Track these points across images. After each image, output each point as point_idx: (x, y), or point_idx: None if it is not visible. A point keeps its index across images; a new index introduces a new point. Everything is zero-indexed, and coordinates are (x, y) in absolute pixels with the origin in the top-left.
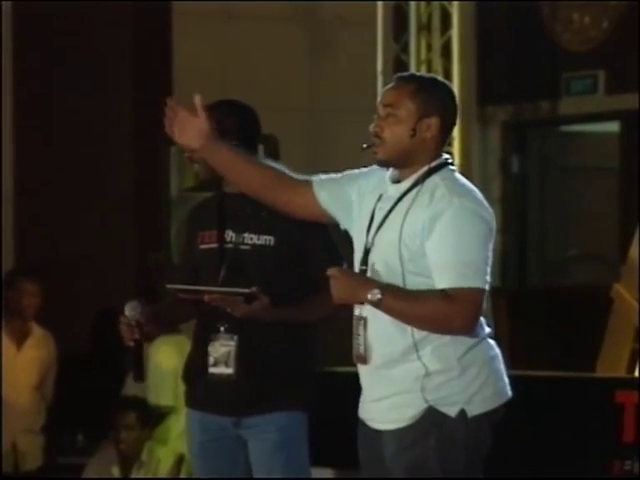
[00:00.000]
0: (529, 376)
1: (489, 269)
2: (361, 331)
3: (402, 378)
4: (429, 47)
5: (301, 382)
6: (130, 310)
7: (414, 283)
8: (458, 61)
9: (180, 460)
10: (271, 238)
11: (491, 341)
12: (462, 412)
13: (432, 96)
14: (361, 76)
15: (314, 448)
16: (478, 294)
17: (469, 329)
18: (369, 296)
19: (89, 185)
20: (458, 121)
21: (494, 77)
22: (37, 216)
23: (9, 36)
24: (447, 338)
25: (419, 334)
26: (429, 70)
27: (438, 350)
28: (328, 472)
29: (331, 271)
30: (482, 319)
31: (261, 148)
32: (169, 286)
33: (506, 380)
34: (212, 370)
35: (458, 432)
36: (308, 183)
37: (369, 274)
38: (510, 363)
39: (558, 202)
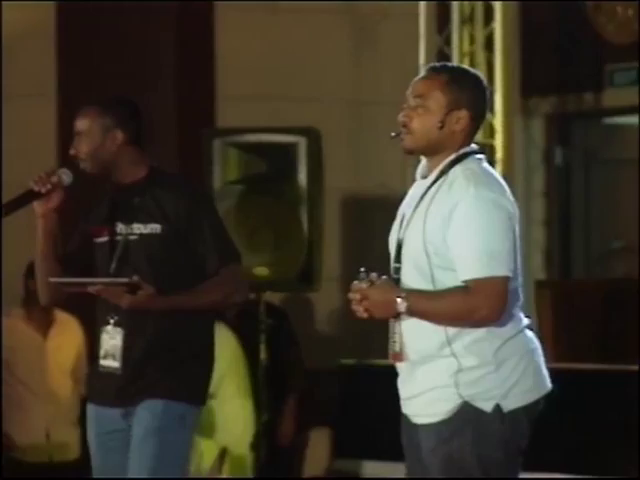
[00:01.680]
0: (573, 369)
1: (513, 257)
2: (396, 329)
3: (437, 373)
4: (472, 39)
5: (184, 374)
6: (64, 174)
7: (442, 278)
8: (501, 53)
9: (223, 454)
10: (158, 226)
11: (529, 333)
12: (498, 407)
13: (463, 89)
14: (404, 69)
15: (366, 442)
16: (501, 282)
17: (495, 318)
18: (397, 307)
19: None
20: (501, 113)
21: (537, 69)
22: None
23: (52, 33)
24: (482, 332)
25: (452, 330)
26: (472, 63)
27: (472, 345)
28: (379, 465)
29: (355, 296)
30: (520, 311)
31: (303, 140)
32: (51, 279)
33: (545, 373)
34: (102, 362)
35: (494, 427)
36: None
37: (402, 271)
38: (554, 356)
39: (602, 194)
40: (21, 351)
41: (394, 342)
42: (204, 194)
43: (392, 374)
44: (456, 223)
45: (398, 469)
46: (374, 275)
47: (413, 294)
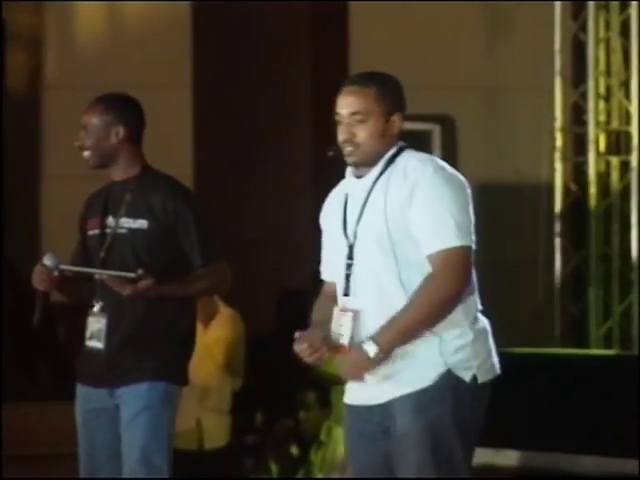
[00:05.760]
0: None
1: (472, 230)
2: (343, 321)
3: (416, 349)
4: (608, 25)
5: (166, 355)
6: (48, 260)
7: (406, 254)
8: (637, 39)
9: None
10: (145, 222)
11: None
12: (474, 378)
13: (391, 93)
14: (539, 56)
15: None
16: (465, 252)
17: (464, 285)
18: (371, 355)
19: (270, 168)
20: (637, 100)
21: None
22: (221, 198)
23: (188, 25)
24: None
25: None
26: (607, 48)
27: (448, 318)
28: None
29: (337, 361)
30: (476, 295)
31: (438, 128)
32: (62, 267)
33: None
34: (87, 343)
35: (470, 396)
36: (329, 285)
37: (357, 266)
38: None
39: None
40: None
41: (340, 335)
42: (191, 194)
43: (527, 364)
44: (420, 202)
45: (533, 457)
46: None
47: (379, 332)
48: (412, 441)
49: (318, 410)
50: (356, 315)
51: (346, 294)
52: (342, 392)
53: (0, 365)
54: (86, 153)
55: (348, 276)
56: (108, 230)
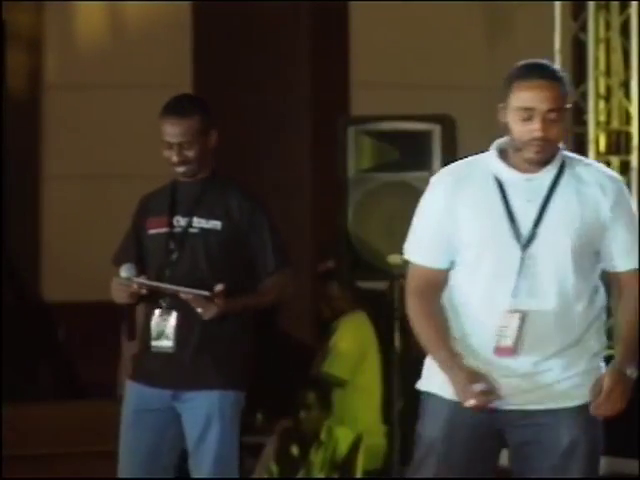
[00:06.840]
0: None
1: None
2: (513, 324)
3: (580, 358)
4: (608, 25)
5: (236, 363)
6: (126, 272)
7: (589, 263)
8: (637, 39)
9: (358, 441)
10: (219, 223)
11: None
12: None
13: (568, 87)
14: (539, 56)
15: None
16: None
17: None
18: (632, 375)
19: (264, 166)
20: (637, 100)
21: None
22: None
23: (188, 24)
24: (603, 317)
25: (592, 314)
26: (607, 49)
27: (599, 330)
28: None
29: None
30: None
31: (438, 128)
32: (136, 280)
33: None
34: (154, 343)
35: None
36: (433, 272)
37: (537, 268)
38: None
39: None
40: None
41: (505, 337)
42: (263, 200)
43: None
44: (623, 219)
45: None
46: None
47: (622, 359)
48: (582, 454)
49: (318, 410)
50: (524, 316)
51: (514, 295)
52: (342, 393)
53: (0, 365)
54: (185, 168)
55: (519, 276)
56: (177, 229)
